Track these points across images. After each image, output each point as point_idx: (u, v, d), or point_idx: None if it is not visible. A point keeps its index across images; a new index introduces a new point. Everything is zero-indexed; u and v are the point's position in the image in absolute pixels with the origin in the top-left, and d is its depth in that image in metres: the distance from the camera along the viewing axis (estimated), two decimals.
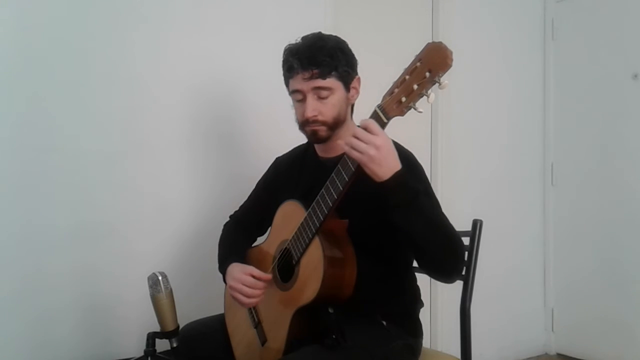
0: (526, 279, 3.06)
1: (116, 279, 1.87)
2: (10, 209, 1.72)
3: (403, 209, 1.16)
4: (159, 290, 1.37)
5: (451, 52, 1.05)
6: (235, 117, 2.14)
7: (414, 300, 1.47)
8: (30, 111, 1.76)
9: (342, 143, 1.16)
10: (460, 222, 1.30)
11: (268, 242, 1.50)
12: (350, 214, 1.28)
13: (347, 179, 1.18)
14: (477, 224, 1.48)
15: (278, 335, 1.33)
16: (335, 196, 1.20)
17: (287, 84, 1.43)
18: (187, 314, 1.53)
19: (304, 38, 1.38)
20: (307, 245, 1.27)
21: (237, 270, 1.41)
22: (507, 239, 2.91)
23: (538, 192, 3.11)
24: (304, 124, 1.38)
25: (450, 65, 1.05)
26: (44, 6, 1.77)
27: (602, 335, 2.84)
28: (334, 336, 1.21)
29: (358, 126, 1.16)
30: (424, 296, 1.50)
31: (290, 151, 1.62)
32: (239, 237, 1.62)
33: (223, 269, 1.49)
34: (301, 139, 1.54)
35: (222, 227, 1.67)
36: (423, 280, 1.49)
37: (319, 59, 1.32)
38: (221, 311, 1.58)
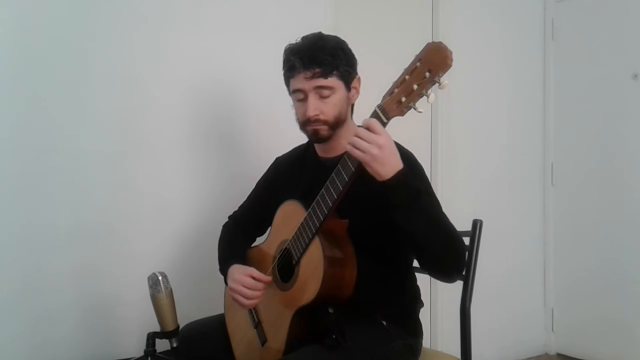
0: (526, 279, 3.06)
1: (116, 279, 1.87)
2: (10, 209, 1.72)
3: (405, 208, 1.16)
4: (159, 290, 1.37)
5: (451, 52, 1.05)
6: (235, 117, 2.14)
7: (414, 300, 1.47)
8: (30, 111, 1.76)
9: (345, 143, 1.17)
10: (460, 222, 1.30)
11: (268, 242, 1.50)
12: (350, 214, 1.28)
13: (347, 179, 1.18)
14: (477, 224, 1.48)
15: (278, 335, 1.33)
16: (335, 196, 1.20)
17: (287, 83, 1.43)
18: (187, 314, 1.53)
19: (304, 38, 1.39)
20: (307, 245, 1.27)
21: (238, 271, 1.41)
22: (507, 239, 2.91)
23: (538, 192, 3.11)
24: (305, 123, 1.38)
25: (450, 65, 1.05)
26: (44, 6, 1.77)
27: (602, 335, 2.84)
28: (334, 336, 1.21)
29: (359, 126, 1.16)
30: (424, 296, 1.50)
31: (290, 151, 1.62)
32: (238, 237, 1.61)
33: (224, 270, 1.49)
34: (301, 139, 1.54)
35: (221, 228, 1.67)
36: (423, 280, 1.50)
37: (321, 58, 1.32)
38: (221, 311, 1.58)
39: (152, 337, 1.38)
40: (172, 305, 1.39)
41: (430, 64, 1.07)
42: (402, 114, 1.12)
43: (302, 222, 1.29)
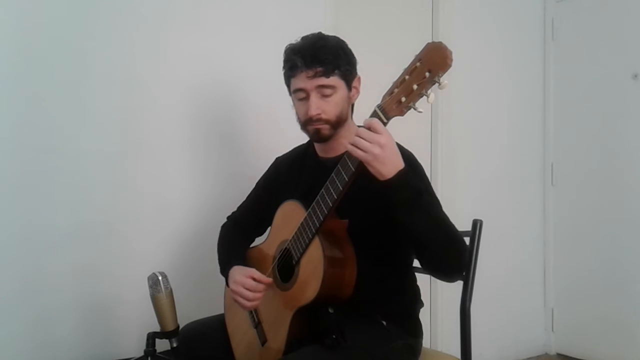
0: (526, 279, 3.06)
1: (116, 279, 1.87)
2: (10, 209, 1.72)
3: (406, 208, 1.16)
4: (159, 290, 1.37)
5: (451, 52, 1.05)
6: (235, 117, 2.14)
7: (414, 300, 1.46)
8: (30, 111, 1.76)
9: (345, 143, 1.17)
10: (460, 222, 1.30)
11: (268, 242, 1.50)
12: (350, 214, 1.28)
13: (347, 179, 1.18)
14: (477, 224, 1.48)
15: (278, 335, 1.33)
16: (335, 196, 1.20)
17: (288, 83, 1.43)
18: (187, 314, 1.53)
19: (304, 38, 1.39)
20: (307, 245, 1.27)
21: (239, 273, 1.41)
22: (507, 239, 2.91)
23: (538, 192, 3.11)
24: (306, 122, 1.38)
25: (450, 65, 1.05)
26: (44, 6, 1.77)
27: (602, 335, 2.84)
28: (334, 336, 1.21)
29: (360, 126, 1.16)
30: (424, 296, 1.50)
31: (290, 151, 1.62)
32: (238, 238, 1.61)
33: (225, 272, 1.49)
34: (301, 139, 1.54)
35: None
36: (423, 280, 1.50)
37: (323, 57, 1.32)
38: (221, 311, 1.58)
39: (152, 337, 1.38)
40: (172, 305, 1.39)
41: (430, 64, 1.07)
42: (402, 114, 1.12)
43: (302, 222, 1.29)
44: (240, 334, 1.48)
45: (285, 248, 1.36)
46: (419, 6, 2.71)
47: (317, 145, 1.47)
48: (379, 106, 1.15)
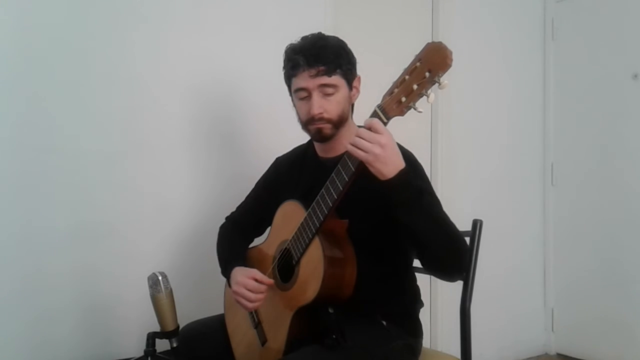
0: (526, 279, 3.06)
1: (116, 279, 1.87)
2: (10, 209, 1.72)
3: (407, 207, 1.16)
4: (159, 290, 1.37)
5: (451, 52, 1.05)
6: (235, 117, 2.14)
7: (414, 300, 1.46)
8: (30, 111, 1.76)
9: (345, 143, 1.17)
10: (460, 222, 1.30)
11: (268, 242, 1.50)
12: (350, 214, 1.28)
13: (347, 179, 1.18)
14: (477, 224, 1.48)
15: (278, 335, 1.33)
16: (335, 196, 1.20)
17: (289, 82, 1.43)
18: (187, 314, 1.53)
19: (304, 38, 1.39)
20: (307, 245, 1.27)
21: (240, 274, 1.41)
22: (507, 239, 2.91)
23: (538, 192, 3.11)
24: (308, 122, 1.38)
25: (450, 65, 1.05)
26: (44, 6, 1.77)
27: (602, 335, 2.84)
28: (334, 336, 1.21)
29: (360, 126, 1.16)
30: (424, 296, 1.50)
31: (290, 151, 1.62)
32: (238, 238, 1.61)
33: (227, 273, 1.49)
34: (301, 139, 1.54)
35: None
36: (423, 280, 1.50)
37: (325, 57, 1.33)
38: (221, 311, 1.58)
39: (152, 337, 1.38)
40: (172, 305, 1.39)
41: (430, 64, 1.07)
42: (402, 114, 1.12)
43: (302, 222, 1.29)
44: (240, 334, 1.48)
45: (285, 248, 1.36)
46: (419, 6, 2.71)
47: (317, 145, 1.47)
48: (379, 106, 1.15)
